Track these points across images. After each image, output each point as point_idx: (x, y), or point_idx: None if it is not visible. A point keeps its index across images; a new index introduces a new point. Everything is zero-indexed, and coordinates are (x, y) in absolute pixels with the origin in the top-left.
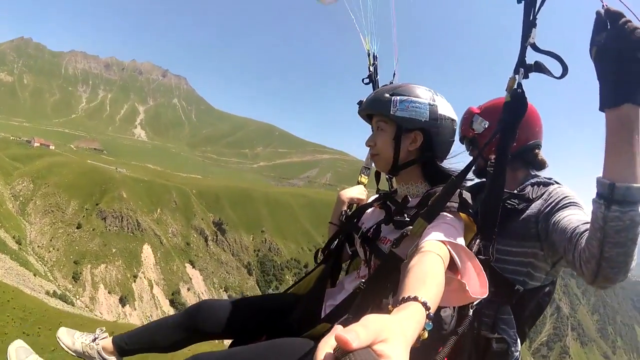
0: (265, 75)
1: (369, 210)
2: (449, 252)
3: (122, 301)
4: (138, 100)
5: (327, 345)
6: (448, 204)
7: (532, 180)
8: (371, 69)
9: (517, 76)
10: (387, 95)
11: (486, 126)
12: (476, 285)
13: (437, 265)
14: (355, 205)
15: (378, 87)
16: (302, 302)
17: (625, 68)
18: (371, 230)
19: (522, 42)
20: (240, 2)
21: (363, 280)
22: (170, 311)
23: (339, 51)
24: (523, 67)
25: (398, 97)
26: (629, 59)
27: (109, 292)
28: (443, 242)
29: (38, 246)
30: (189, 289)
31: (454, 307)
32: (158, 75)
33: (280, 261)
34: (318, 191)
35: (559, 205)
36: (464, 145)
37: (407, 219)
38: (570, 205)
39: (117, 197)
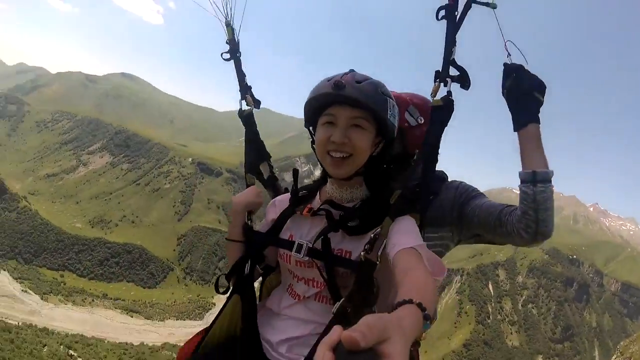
0: None
1: (292, 218)
2: (419, 254)
3: None
4: None
5: (327, 345)
6: (408, 205)
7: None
8: (231, 39)
9: (441, 84)
10: (381, 93)
11: (421, 122)
12: (437, 270)
13: (428, 275)
14: (253, 212)
15: (240, 65)
16: (235, 349)
17: (525, 102)
18: (317, 242)
19: (445, 58)
20: None
21: (318, 302)
22: None
23: None
24: (449, 78)
25: (391, 100)
26: (528, 96)
27: None
28: (414, 248)
29: None
30: None
31: None
32: None
33: None
34: None
35: (471, 196)
36: None
37: (360, 223)
38: (479, 195)
39: None
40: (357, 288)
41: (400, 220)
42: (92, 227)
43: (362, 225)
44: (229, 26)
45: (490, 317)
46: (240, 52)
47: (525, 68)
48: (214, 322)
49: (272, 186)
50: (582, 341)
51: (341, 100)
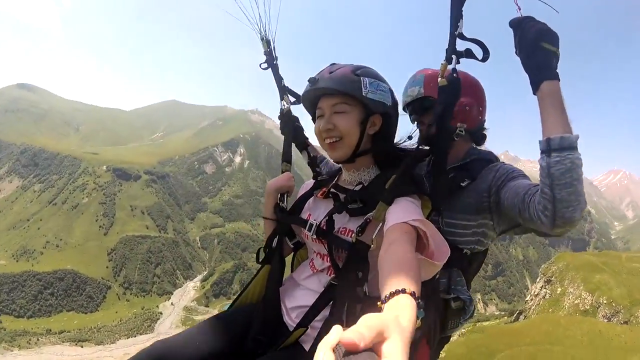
0: None
1: (310, 200)
2: (414, 229)
3: None
4: None
5: (327, 345)
6: (405, 187)
7: (475, 157)
8: (267, 52)
9: (449, 64)
10: (353, 75)
11: None
12: (440, 253)
13: (410, 251)
14: (286, 194)
15: (277, 72)
16: (259, 310)
17: (535, 57)
18: (323, 222)
19: (451, 32)
20: None
21: (328, 276)
22: None
23: None
24: (455, 55)
25: (367, 79)
26: (536, 49)
27: None
28: (406, 222)
29: None
30: None
31: None
32: None
33: None
34: None
35: (509, 178)
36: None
37: (361, 205)
38: (519, 176)
39: None
40: (345, 267)
41: (398, 201)
42: (17, 260)
43: (362, 207)
44: (264, 40)
45: None
46: (276, 61)
47: (533, 18)
48: (246, 287)
49: (313, 169)
50: (513, 274)
51: (322, 93)
